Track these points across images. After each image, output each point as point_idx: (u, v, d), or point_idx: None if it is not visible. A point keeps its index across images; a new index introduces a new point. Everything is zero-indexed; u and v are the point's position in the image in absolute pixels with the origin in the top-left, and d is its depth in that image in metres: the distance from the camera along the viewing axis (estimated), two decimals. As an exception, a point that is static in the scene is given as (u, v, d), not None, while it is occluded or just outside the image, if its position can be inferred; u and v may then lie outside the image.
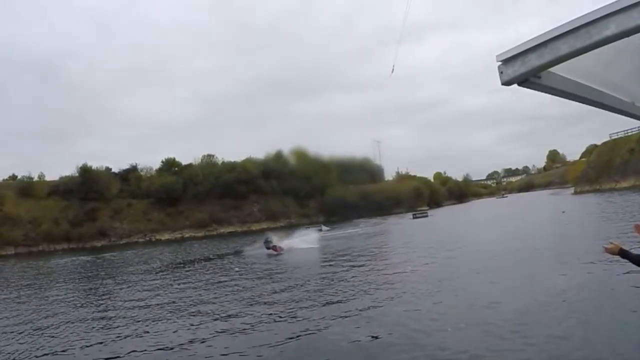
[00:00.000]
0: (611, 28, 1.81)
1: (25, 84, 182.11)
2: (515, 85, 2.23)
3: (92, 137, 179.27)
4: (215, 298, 18.81)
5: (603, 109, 2.88)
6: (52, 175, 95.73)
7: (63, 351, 12.79)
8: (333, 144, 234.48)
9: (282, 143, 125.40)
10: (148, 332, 14.13)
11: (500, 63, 2.16)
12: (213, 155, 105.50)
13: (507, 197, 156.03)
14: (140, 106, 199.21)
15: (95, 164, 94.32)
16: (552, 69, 2.22)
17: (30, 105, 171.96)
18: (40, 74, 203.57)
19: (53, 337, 14.44)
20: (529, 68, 2.09)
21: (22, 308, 20.56)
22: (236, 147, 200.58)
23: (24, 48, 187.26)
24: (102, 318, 16.83)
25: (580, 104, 2.71)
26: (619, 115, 3.17)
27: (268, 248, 35.78)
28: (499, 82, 2.21)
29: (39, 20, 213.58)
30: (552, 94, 2.43)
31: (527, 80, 2.19)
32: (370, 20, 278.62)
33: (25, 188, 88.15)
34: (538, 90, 2.33)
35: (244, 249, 40.99)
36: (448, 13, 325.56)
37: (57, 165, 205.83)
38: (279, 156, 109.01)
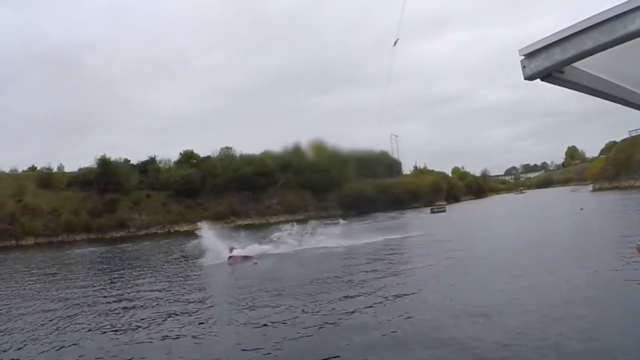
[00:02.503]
0: (637, 23, 1.76)
1: (45, 77, 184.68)
2: (537, 80, 2.17)
3: (110, 130, 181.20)
4: (227, 290, 18.71)
5: (626, 105, 2.78)
6: (71, 166, 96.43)
7: (81, 338, 13.12)
8: (350, 137, 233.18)
9: (300, 136, 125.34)
10: (159, 322, 14.33)
11: (523, 57, 2.11)
12: (231, 148, 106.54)
13: (525, 193, 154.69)
14: (157, 99, 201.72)
15: (113, 155, 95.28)
16: (575, 64, 2.14)
17: (49, 97, 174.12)
18: (59, 66, 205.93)
19: (69, 324, 14.67)
20: (553, 63, 2.03)
21: (41, 296, 20.82)
22: (253, 140, 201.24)
23: (43, 41, 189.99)
24: (118, 308, 17.01)
25: (603, 100, 2.65)
26: None
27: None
28: (522, 77, 2.14)
29: (57, 14, 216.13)
30: (575, 90, 2.37)
31: (550, 75, 2.12)
32: (386, 14, 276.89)
33: (44, 179, 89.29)
34: (561, 86, 2.27)
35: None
36: (465, 7, 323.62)
37: (75, 157, 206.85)
38: (297, 149, 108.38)
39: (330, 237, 37.05)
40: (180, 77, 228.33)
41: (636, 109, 2.83)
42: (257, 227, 78.05)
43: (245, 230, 56.91)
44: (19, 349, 12.42)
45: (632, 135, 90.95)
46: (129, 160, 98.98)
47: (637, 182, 77.41)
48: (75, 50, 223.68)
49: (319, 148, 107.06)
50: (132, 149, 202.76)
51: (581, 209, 45.30)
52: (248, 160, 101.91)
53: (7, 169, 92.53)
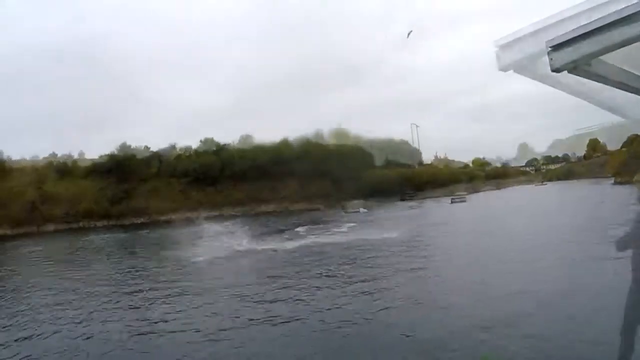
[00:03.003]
0: None
1: (70, 71, 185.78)
2: (564, 73, 2.08)
3: (131, 123, 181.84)
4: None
5: None
6: (92, 155, 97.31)
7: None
8: (370, 128, 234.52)
9: (321, 126, 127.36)
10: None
11: (550, 49, 2.03)
12: (251, 136, 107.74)
13: (546, 184, 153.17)
14: (179, 93, 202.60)
15: (134, 144, 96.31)
16: (602, 57, 2.06)
17: (74, 90, 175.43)
18: (84, 60, 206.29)
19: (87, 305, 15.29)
20: (580, 55, 1.97)
21: (57, 281, 21.11)
22: (275, 131, 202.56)
23: (68, 34, 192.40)
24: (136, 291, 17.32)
25: (630, 93, 2.46)
26: None
27: None
28: (549, 69, 2.06)
29: (83, 6, 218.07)
30: (602, 82, 2.27)
31: (576, 67, 2.04)
32: (408, 10, 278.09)
33: (65, 167, 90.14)
34: (587, 78, 2.18)
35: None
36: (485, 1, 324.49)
37: (97, 149, 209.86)
38: (318, 137, 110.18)
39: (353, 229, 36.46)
40: (206, 70, 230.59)
41: None
42: (277, 214, 78.41)
43: (265, 218, 57.01)
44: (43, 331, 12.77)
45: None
46: (149, 148, 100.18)
47: (659, 177, 76.73)
48: (98, 45, 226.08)
49: (341, 136, 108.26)
50: (154, 139, 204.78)
51: (602, 202, 45.13)
52: (267, 148, 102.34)
53: (28, 157, 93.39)
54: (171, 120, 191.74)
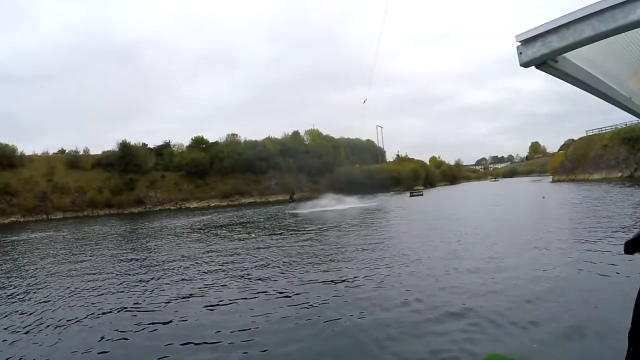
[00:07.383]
0: (638, 12, 1.61)
1: (102, 70, 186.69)
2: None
3: (153, 117, 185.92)
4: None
5: (606, 100, 2.61)
6: (96, 151, 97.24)
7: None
8: (353, 128, 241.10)
9: (309, 125, 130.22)
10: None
11: (519, 44, 1.92)
12: (236, 135, 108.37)
13: (498, 181, 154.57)
14: (199, 90, 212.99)
15: (147, 139, 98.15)
16: (568, 56, 2.03)
17: (103, 87, 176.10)
18: (117, 60, 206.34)
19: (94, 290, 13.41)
20: (550, 50, 1.86)
21: (67, 262, 19.48)
22: (275, 128, 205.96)
23: (109, 36, 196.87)
24: (138, 274, 15.59)
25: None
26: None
27: None
28: (518, 63, 1.93)
29: (127, 12, 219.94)
30: (566, 80, 2.19)
31: (545, 63, 1.94)
32: (404, 23, 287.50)
33: (72, 161, 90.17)
34: (553, 75, 2.08)
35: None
36: (465, 22, 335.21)
37: (101, 146, 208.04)
38: (295, 136, 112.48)
39: None
40: (227, 73, 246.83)
41: (613, 104, 2.69)
42: (259, 204, 78.90)
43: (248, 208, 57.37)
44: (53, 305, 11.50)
45: (589, 134, 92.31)
46: (147, 145, 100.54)
47: (590, 176, 78.21)
48: (136, 47, 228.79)
49: (314, 136, 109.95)
50: (171, 134, 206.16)
51: (543, 197, 44.89)
52: (251, 145, 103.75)
53: (39, 153, 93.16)
54: (192, 115, 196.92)
